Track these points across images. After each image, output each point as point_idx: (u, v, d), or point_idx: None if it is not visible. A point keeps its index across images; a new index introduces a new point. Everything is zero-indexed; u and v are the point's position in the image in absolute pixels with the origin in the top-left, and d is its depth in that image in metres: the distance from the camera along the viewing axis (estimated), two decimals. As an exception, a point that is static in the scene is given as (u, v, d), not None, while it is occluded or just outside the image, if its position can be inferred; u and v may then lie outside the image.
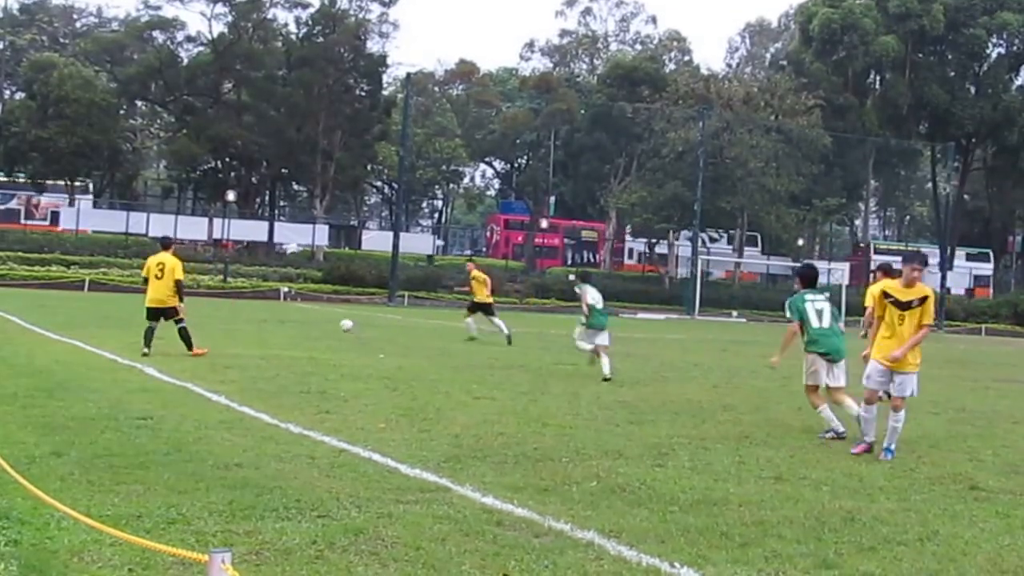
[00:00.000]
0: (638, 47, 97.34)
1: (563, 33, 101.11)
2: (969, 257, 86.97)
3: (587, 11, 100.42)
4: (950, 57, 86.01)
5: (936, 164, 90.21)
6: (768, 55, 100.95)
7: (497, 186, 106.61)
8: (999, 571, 6.62)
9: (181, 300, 18.44)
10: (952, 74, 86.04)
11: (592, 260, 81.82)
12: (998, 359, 35.42)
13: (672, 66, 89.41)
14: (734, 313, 61.67)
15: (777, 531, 7.31)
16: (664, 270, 76.05)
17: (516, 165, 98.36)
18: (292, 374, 16.31)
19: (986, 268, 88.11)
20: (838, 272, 68.14)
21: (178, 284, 18.35)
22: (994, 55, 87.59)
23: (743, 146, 68.96)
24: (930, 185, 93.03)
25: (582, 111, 78.72)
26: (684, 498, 8.29)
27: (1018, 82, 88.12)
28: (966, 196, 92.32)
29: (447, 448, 10.04)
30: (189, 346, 18.20)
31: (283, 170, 77.52)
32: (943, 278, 72.95)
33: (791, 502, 8.37)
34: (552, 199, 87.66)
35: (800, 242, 79.09)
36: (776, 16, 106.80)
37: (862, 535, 7.38)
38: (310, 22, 73.66)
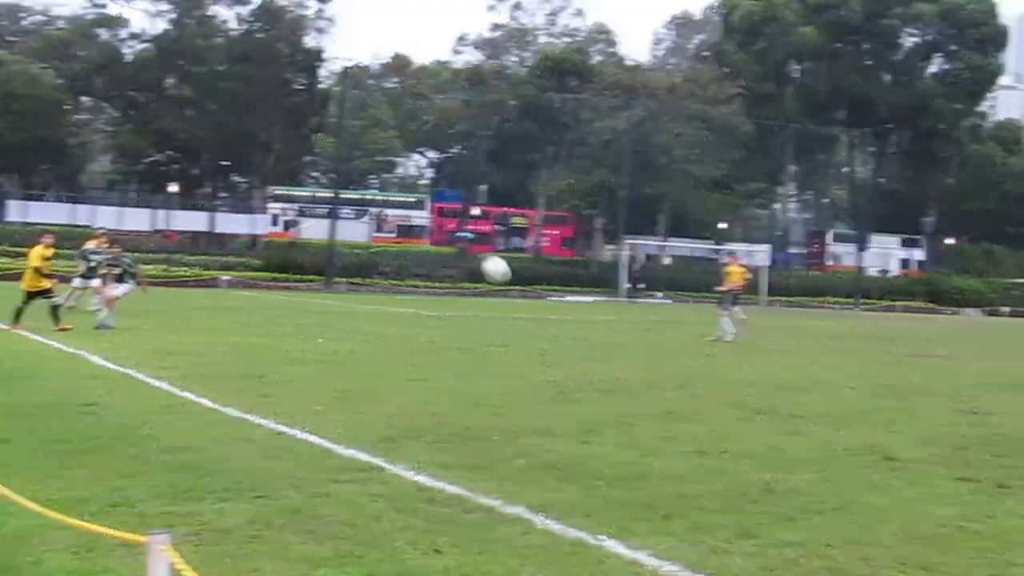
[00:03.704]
0: (566, 40, 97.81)
1: (495, 27, 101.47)
2: (905, 243, 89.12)
3: (517, 5, 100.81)
4: (867, 46, 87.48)
5: (853, 150, 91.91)
6: (692, 46, 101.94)
7: (431, 175, 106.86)
8: (912, 537, 6.86)
9: (47, 281, 20.84)
10: (869, 63, 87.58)
11: (522, 245, 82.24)
12: (912, 335, 36.21)
13: (599, 58, 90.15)
14: (659, 294, 62.24)
15: (699, 503, 7.54)
16: (590, 254, 76.85)
17: (449, 155, 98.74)
18: (233, 359, 16.41)
19: (918, 253, 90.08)
20: (759, 255, 68.99)
21: (37, 271, 20.71)
22: (909, 44, 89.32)
23: (668, 134, 69.95)
24: (848, 169, 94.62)
25: (512, 102, 79.03)
26: (610, 473, 8.51)
27: (931, 70, 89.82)
28: (882, 180, 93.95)
29: (382, 429, 10.19)
30: (56, 321, 20.21)
31: (225, 162, 77.70)
32: (860, 258, 74.86)
33: (713, 475, 8.62)
34: (484, 187, 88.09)
35: (723, 225, 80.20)
36: (700, 8, 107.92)
37: (781, 505, 7.61)
38: (250, 18, 74.05)
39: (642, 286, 61.55)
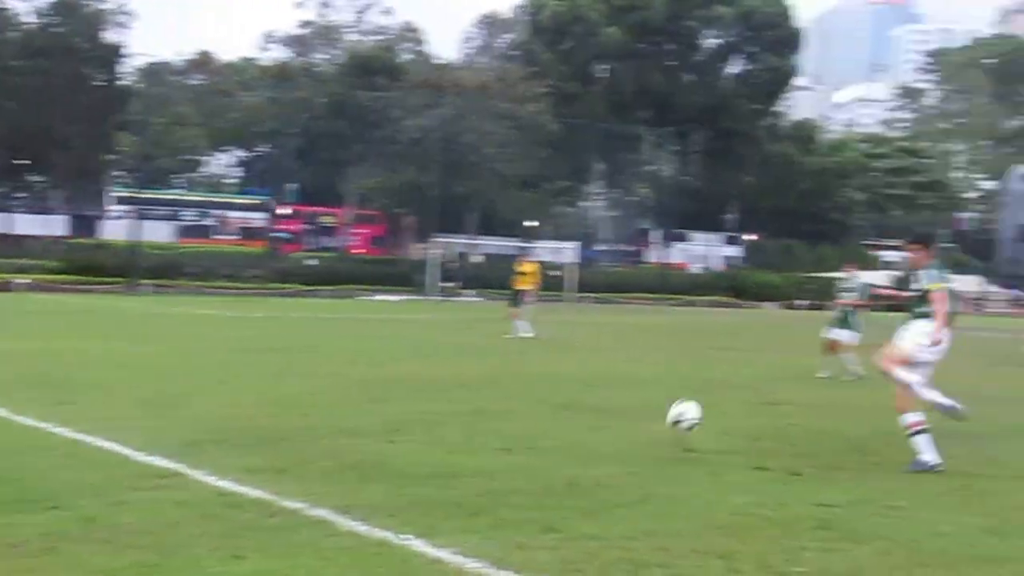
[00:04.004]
0: (375, 38, 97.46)
1: (303, 24, 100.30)
2: (729, 241, 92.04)
3: (325, 3, 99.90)
4: (670, 47, 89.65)
5: (658, 148, 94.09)
6: (501, 45, 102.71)
7: (239, 174, 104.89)
8: (709, 527, 7.05)
9: None
10: (672, 63, 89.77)
11: (331, 245, 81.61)
12: (714, 329, 37.22)
13: (408, 56, 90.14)
14: (469, 292, 62.44)
15: (506, 500, 7.61)
16: (400, 252, 76.70)
17: (258, 153, 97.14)
18: (29, 366, 15.78)
19: (739, 250, 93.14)
20: (567, 251, 70.05)
21: None
22: (709, 45, 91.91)
23: (476, 133, 70.35)
24: (653, 168, 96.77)
25: (321, 100, 78.36)
26: (416, 472, 8.52)
27: (731, 70, 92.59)
28: (686, 178, 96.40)
29: (186, 434, 9.97)
30: None
31: (20, 160, 74.62)
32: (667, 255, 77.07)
33: (520, 472, 8.70)
34: (293, 186, 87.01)
35: (532, 223, 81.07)
36: (509, 8, 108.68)
37: (584, 500, 7.73)
38: (47, 12, 71.51)
39: (458, 284, 61.69)
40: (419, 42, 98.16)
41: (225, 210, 76.95)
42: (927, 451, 9.38)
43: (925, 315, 9.76)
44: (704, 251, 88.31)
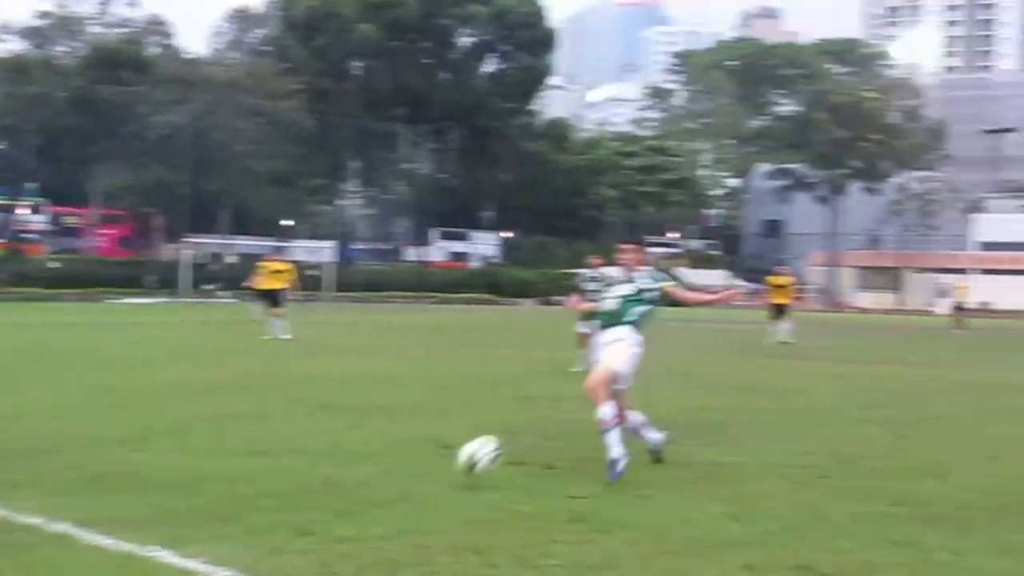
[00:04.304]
0: (120, 30, 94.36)
1: (41, 15, 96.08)
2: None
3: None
4: (425, 45, 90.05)
5: (414, 146, 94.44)
6: (252, 41, 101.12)
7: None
8: (465, 523, 7.08)
9: None
10: (427, 61, 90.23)
11: (75, 246, 78.65)
12: (471, 326, 37.57)
13: (156, 50, 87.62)
14: (223, 293, 61.24)
15: (257, 504, 7.45)
16: (151, 253, 74.68)
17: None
18: None
19: (496, 248, 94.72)
20: (324, 251, 69.68)
21: None
22: (464, 44, 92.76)
23: (228, 129, 69.05)
24: (408, 166, 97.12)
25: (62, 94, 75.31)
26: (165, 480, 8.26)
27: (486, 69, 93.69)
28: (442, 176, 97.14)
29: (-92, 450, 9.35)
30: None
31: None
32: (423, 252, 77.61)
33: (272, 475, 8.54)
34: (33, 185, 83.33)
35: (287, 222, 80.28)
36: (260, 3, 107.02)
37: (340, 501, 7.65)
38: None
39: (219, 285, 60.34)
40: (167, 35, 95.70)
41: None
42: (616, 446, 8.82)
43: (630, 322, 9.28)
44: (481, 249, 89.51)
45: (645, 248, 9.89)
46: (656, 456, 9.57)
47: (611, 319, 9.38)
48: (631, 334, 9.23)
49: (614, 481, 8.54)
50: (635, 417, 9.40)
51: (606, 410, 8.85)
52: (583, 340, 19.16)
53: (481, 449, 8.39)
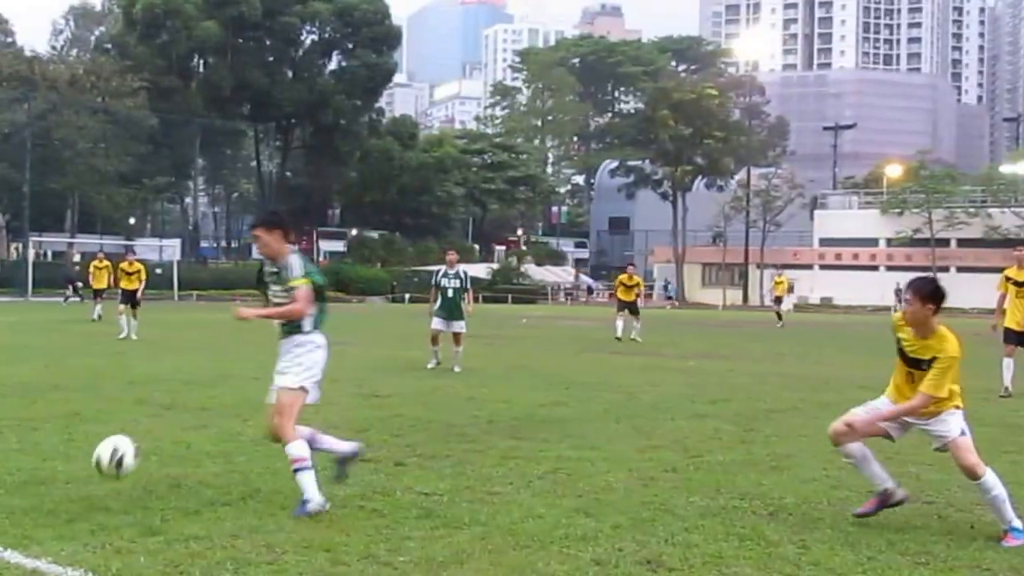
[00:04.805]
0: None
1: None
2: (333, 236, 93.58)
3: None
4: (269, 43, 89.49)
5: (259, 144, 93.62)
6: (93, 38, 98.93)
7: None
8: (314, 520, 7.12)
9: None
10: (271, 59, 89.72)
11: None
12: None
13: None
14: (67, 292, 59.76)
15: (104, 504, 7.39)
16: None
17: None
18: None
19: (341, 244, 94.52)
20: (170, 248, 68.73)
21: None
22: (308, 41, 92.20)
23: (70, 127, 67.69)
24: (255, 163, 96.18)
25: None
26: (10, 480, 8.17)
27: (331, 67, 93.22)
28: (288, 173, 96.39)
29: None
30: None
31: None
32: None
33: (119, 475, 8.45)
34: None
35: (132, 220, 78.92)
36: (100, 0, 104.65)
37: (188, 500, 7.63)
38: None
39: (74, 284, 58.61)
40: (7, 33, 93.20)
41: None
42: (312, 490, 7.40)
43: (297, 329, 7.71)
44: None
45: (287, 231, 7.82)
46: (341, 473, 8.06)
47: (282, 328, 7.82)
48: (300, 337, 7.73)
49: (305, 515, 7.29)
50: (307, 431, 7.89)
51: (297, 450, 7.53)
52: (435, 338, 19.21)
53: (119, 447, 7.43)
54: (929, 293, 7.14)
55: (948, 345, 7.16)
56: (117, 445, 7.44)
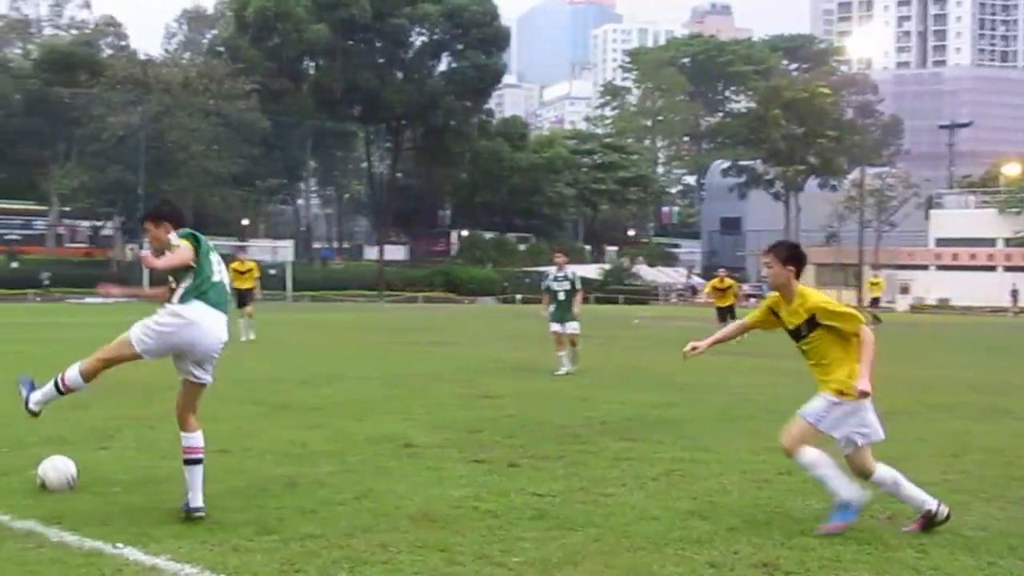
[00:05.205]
0: (74, 32, 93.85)
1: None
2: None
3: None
4: (378, 44, 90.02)
5: (370, 145, 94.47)
6: (205, 41, 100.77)
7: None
8: (429, 521, 7.09)
9: None
10: (381, 60, 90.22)
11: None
12: (429, 324, 37.57)
13: (109, 51, 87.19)
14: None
15: (221, 502, 7.44)
16: (111, 252, 74.61)
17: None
18: None
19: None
20: (282, 250, 69.75)
21: None
22: (418, 43, 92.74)
23: (183, 130, 68.97)
24: (365, 165, 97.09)
25: (17, 96, 74.81)
26: (128, 479, 8.28)
27: (440, 68, 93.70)
28: (399, 175, 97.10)
29: None
30: None
31: None
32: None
33: (235, 473, 8.55)
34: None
35: (245, 222, 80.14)
36: (212, 3, 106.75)
37: (303, 499, 7.67)
38: None
39: None
40: (120, 37, 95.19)
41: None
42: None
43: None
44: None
45: (177, 223, 7.83)
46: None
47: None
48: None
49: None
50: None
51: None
52: (560, 340, 18.92)
53: (59, 467, 7.69)
54: (789, 255, 7.15)
55: (812, 297, 7.11)
56: (42, 471, 7.73)
